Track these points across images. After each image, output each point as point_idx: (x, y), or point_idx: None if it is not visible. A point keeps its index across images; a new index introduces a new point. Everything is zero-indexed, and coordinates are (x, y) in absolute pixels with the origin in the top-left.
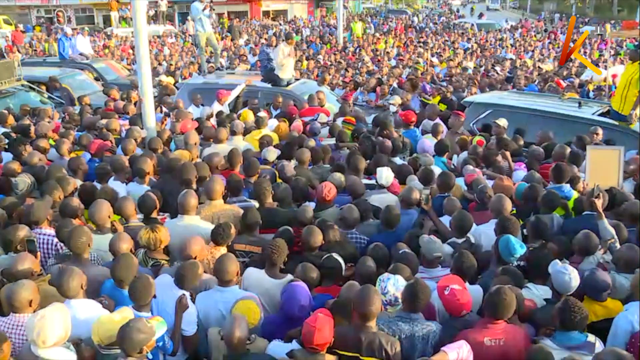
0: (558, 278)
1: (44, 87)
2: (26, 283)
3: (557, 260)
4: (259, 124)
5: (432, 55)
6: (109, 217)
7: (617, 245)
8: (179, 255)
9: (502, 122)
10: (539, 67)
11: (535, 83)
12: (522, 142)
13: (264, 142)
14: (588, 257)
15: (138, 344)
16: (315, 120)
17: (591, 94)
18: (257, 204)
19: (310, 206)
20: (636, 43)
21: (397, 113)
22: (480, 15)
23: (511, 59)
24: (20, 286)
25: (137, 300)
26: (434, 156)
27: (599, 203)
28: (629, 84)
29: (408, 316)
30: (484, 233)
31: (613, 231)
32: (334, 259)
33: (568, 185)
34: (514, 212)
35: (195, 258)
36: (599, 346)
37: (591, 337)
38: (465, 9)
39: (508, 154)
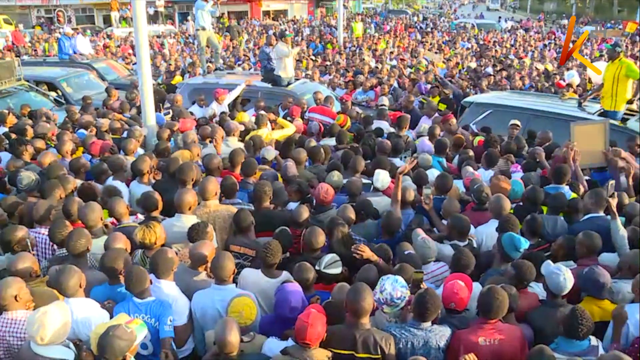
0: (552, 279)
1: (46, 87)
2: (9, 280)
3: (549, 261)
4: (259, 123)
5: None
6: (101, 218)
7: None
8: (189, 255)
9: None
10: (536, 67)
11: (535, 82)
12: (523, 144)
13: (250, 142)
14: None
15: (120, 352)
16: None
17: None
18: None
19: (304, 207)
20: (612, 43)
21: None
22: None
23: (511, 59)
24: (2, 283)
25: (133, 289)
26: (432, 155)
27: (614, 202)
28: (616, 82)
29: (419, 325)
30: (485, 234)
31: (625, 232)
32: (333, 270)
33: (567, 187)
34: (512, 211)
35: (207, 260)
36: (601, 349)
37: (594, 341)
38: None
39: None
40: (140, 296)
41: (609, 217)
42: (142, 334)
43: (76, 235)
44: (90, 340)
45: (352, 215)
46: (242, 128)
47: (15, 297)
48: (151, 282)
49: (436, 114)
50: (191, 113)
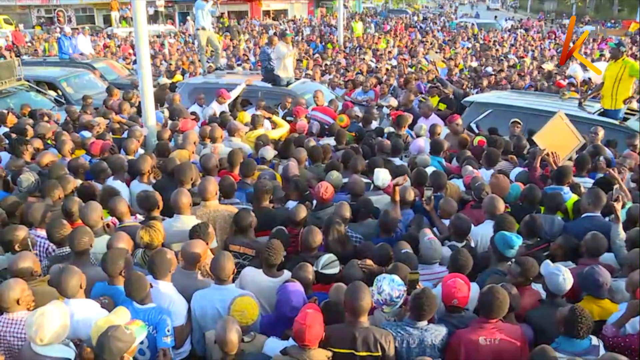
0: (552, 279)
1: (46, 87)
2: (12, 282)
3: (548, 261)
4: (255, 123)
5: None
6: (102, 218)
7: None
8: (181, 255)
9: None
10: (539, 67)
11: (536, 82)
12: (524, 143)
13: (259, 142)
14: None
15: (118, 353)
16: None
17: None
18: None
19: (302, 206)
20: (616, 42)
21: (390, 114)
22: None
23: (510, 58)
24: (5, 286)
25: (134, 297)
26: (431, 155)
27: (619, 206)
28: (618, 81)
29: (414, 323)
30: (481, 234)
31: (624, 236)
32: (331, 270)
33: (567, 187)
34: (509, 209)
35: (200, 259)
36: (602, 349)
37: (595, 340)
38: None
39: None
40: (141, 302)
41: (607, 218)
42: (141, 336)
43: (80, 233)
44: (91, 337)
45: (347, 213)
46: (247, 128)
47: (18, 300)
48: (152, 286)
49: (433, 114)
50: (192, 113)
